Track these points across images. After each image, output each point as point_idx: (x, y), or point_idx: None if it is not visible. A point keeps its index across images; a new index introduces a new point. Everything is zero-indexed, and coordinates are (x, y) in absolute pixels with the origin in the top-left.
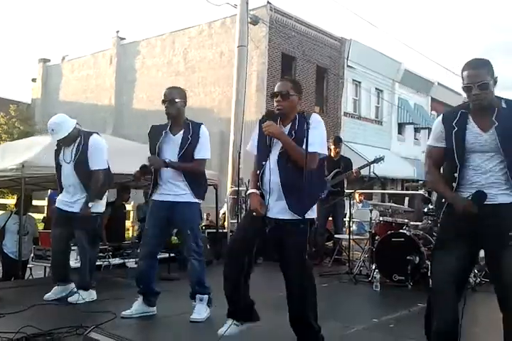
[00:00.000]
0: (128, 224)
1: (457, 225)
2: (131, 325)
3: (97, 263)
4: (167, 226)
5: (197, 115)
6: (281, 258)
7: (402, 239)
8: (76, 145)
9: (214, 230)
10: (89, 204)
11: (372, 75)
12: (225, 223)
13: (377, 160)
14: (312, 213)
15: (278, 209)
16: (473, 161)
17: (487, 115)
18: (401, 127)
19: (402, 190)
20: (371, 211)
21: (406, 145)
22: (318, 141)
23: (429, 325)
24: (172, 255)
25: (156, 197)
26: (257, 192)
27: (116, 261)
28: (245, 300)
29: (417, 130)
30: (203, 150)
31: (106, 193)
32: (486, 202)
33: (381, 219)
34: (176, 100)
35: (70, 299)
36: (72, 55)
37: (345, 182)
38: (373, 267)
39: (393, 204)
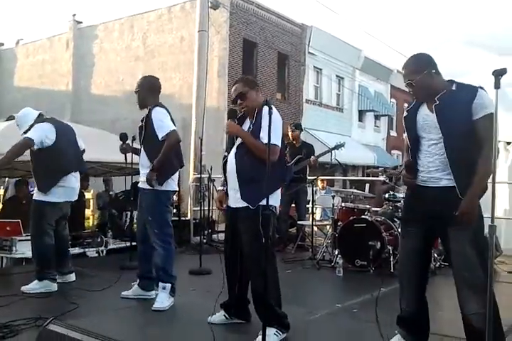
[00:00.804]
0: (88, 212)
1: (412, 207)
2: (93, 316)
3: None
4: None
5: None
6: (240, 242)
7: (364, 225)
8: None
9: (176, 218)
10: None
11: (333, 62)
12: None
13: (337, 147)
14: (270, 200)
15: (233, 198)
16: (424, 145)
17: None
18: (361, 114)
19: (363, 176)
20: (333, 197)
21: (366, 133)
22: (273, 134)
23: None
24: (134, 243)
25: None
26: (223, 188)
27: (76, 250)
28: (241, 298)
29: (377, 117)
30: (160, 129)
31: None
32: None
33: (343, 205)
34: (136, 90)
35: (22, 288)
36: (26, 39)
37: (308, 169)
38: (336, 252)
39: (355, 191)
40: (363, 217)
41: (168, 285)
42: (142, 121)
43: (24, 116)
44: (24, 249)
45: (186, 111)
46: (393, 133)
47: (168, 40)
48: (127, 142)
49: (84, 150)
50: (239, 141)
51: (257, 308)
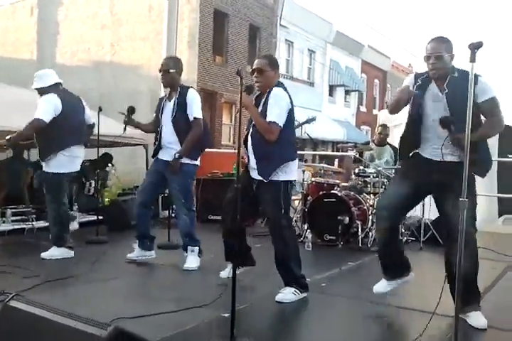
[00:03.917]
0: None
1: (414, 172)
2: (57, 291)
3: (20, 227)
4: (162, 181)
5: (125, 71)
6: (263, 212)
7: (334, 200)
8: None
9: None
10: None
11: (304, 35)
12: None
13: (309, 121)
14: (285, 175)
15: (252, 170)
16: (428, 121)
17: (442, 82)
18: (332, 89)
19: (333, 151)
20: (304, 172)
21: (336, 108)
22: (275, 112)
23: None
24: (100, 217)
25: (159, 155)
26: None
27: (41, 224)
28: (242, 246)
29: (347, 92)
30: (195, 111)
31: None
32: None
33: (313, 179)
34: (170, 70)
35: (42, 254)
36: None
37: None
38: (305, 227)
39: (325, 165)
40: (332, 191)
41: (196, 248)
42: (177, 98)
43: (45, 75)
44: None
45: (155, 83)
46: (363, 109)
47: (136, 8)
48: (132, 117)
49: (94, 124)
50: None
51: (278, 269)
